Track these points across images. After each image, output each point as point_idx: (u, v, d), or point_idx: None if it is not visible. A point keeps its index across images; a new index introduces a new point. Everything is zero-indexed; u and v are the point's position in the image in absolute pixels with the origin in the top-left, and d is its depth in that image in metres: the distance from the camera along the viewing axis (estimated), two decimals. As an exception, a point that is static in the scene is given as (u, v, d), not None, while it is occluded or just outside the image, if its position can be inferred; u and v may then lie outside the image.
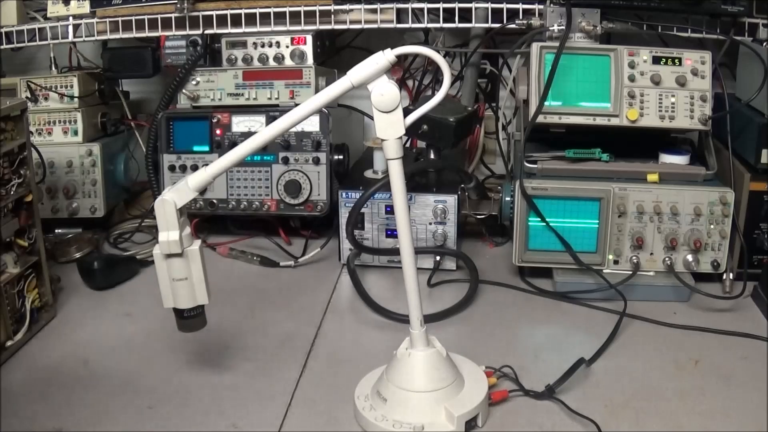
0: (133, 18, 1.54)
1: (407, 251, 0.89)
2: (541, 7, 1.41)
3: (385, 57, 0.82)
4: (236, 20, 1.51)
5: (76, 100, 1.54)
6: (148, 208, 1.65)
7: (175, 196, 0.88)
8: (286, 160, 1.46)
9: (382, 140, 0.85)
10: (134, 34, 1.55)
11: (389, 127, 0.84)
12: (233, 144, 1.45)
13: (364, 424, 0.89)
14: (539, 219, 1.25)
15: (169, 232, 0.88)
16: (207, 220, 1.58)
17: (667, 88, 1.26)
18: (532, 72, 1.27)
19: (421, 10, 1.49)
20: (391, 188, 0.87)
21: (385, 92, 0.83)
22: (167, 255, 0.90)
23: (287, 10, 1.49)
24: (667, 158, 1.30)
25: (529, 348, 1.11)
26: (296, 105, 0.87)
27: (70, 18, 1.58)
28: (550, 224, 1.25)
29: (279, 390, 0.99)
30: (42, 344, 1.13)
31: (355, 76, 0.83)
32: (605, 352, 1.07)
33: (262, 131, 0.87)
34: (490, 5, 1.45)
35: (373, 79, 0.83)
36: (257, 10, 1.50)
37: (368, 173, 1.45)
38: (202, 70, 1.51)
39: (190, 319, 0.94)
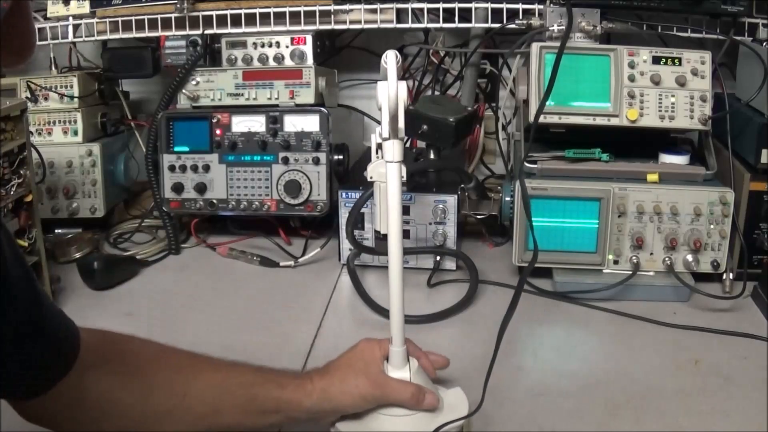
0: (133, 18, 1.53)
1: (395, 265, 0.84)
2: (541, 7, 1.41)
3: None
4: (236, 20, 1.51)
5: (76, 100, 1.54)
6: (148, 208, 1.66)
7: None
8: (286, 160, 1.45)
9: (383, 140, 0.85)
10: (134, 34, 1.54)
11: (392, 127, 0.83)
12: (233, 144, 1.45)
13: None
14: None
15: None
16: (207, 220, 1.59)
17: (667, 88, 1.26)
18: (532, 72, 1.27)
19: (421, 10, 1.49)
20: (387, 191, 0.84)
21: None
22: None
23: (287, 10, 1.48)
24: (667, 158, 1.30)
25: (529, 348, 1.11)
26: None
27: (70, 18, 1.57)
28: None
29: (279, 390, 0.99)
30: (42, 344, 1.13)
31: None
32: (605, 352, 1.07)
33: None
34: (490, 5, 1.45)
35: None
36: (257, 10, 1.50)
37: (368, 173, 1.45)
38: (202, 70, 1.51)
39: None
